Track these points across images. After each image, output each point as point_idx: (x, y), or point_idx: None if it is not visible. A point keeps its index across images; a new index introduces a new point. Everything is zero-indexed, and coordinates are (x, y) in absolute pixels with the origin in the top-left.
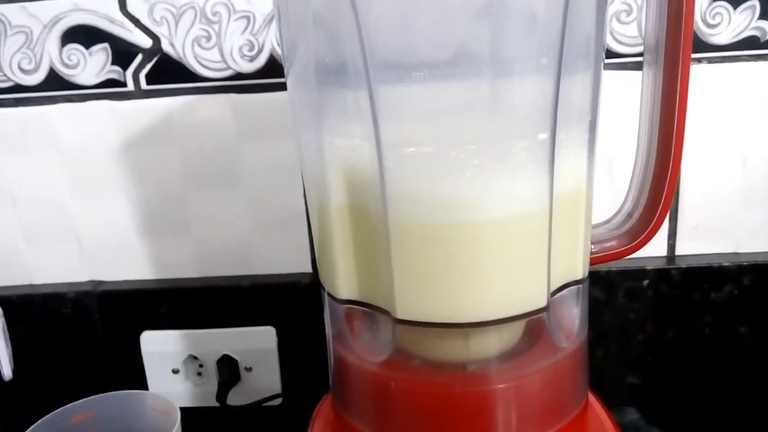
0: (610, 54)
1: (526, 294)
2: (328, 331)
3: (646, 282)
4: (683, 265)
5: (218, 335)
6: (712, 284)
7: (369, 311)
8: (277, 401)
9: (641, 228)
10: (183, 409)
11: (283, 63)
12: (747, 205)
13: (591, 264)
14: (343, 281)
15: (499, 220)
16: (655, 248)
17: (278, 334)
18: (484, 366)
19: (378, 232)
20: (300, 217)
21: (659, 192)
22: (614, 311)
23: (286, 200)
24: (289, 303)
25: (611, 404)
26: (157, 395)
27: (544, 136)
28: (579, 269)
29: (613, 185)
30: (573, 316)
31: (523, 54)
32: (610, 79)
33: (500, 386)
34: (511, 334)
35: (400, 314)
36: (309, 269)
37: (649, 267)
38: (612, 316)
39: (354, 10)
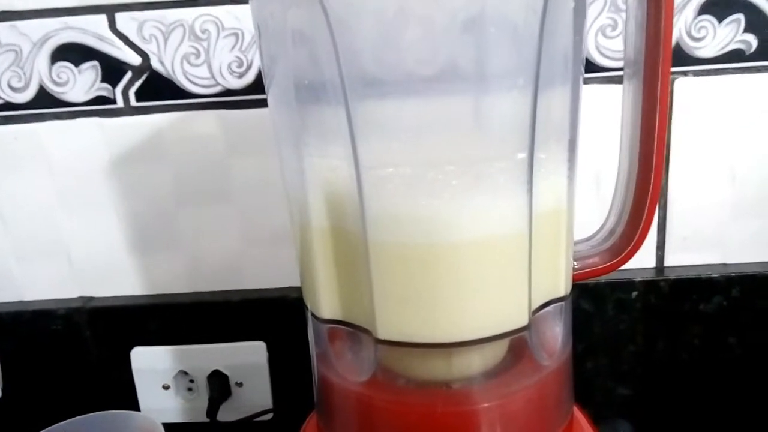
0: (596, 68)
1: (508, 313)
2: (312, 350)
3: (635, 294)
4: (672, 277)
5: (209, 351)
6: (701, 295)
7: (351, 331)
8: (268, 416)
9: (623, 245)
10: (173, 425)
11: (263, 80)
12: (735, 217)
13: (574, 281)
14: (325, 301)
15: (479, 240)
16: (644, 260)
17: (269, 348)
18: (468, 385)
19: (358, 253)
20: (289, 232)
21: (640, 209)
22: (604, 323)
23: (276, 215)
24: (279, 318)
25: (602, 416)
26: (143, 415)
27: (522, 155)
28: (561, 287)
29: (600, 199)
30: (556, 333)
31: (501, 72)
32: (597, 92)
33: (484, 405)
34: (494, 353)
35: (381, 334)
36: (298, 283)
37: (638, 279)
38: (601, 328)
39: (329, 28)
